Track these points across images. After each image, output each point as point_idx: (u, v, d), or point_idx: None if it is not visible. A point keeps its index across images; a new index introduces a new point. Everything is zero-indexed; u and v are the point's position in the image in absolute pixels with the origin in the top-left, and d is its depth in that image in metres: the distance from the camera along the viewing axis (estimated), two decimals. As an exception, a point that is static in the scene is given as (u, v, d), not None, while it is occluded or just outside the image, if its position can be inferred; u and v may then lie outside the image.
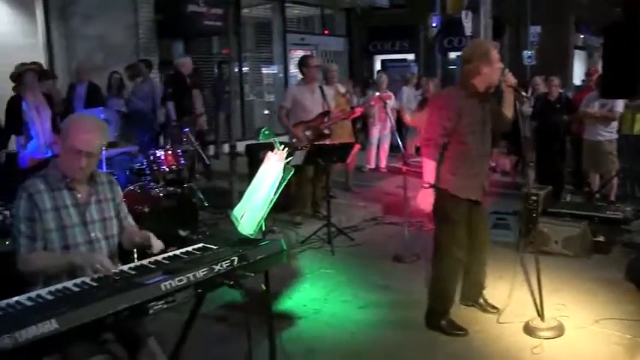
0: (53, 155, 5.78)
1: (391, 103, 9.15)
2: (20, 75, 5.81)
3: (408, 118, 9.11)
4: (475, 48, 3.71)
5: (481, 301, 4.10)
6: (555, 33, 15.73)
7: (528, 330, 3.76)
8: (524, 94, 3.79)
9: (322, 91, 6.44)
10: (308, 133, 6.21)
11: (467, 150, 3.58)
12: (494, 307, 4.08)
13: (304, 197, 6.43)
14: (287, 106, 6.32)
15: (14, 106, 5.76)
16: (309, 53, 13.35)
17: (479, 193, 3.72)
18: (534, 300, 3.97)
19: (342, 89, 7.86)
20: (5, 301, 1.97)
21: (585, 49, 18.01)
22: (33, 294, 2.06)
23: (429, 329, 3.84)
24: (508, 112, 3.69)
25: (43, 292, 2.08)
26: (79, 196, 2.53)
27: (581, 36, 17.53)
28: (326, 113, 6.33)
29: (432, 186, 3.62)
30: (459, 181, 3.61)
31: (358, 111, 6.80)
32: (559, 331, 3.72)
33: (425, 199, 3.66)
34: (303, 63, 6.46)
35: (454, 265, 3.76)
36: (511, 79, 3.59)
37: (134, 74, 8.31)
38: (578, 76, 16.88)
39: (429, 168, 3.60)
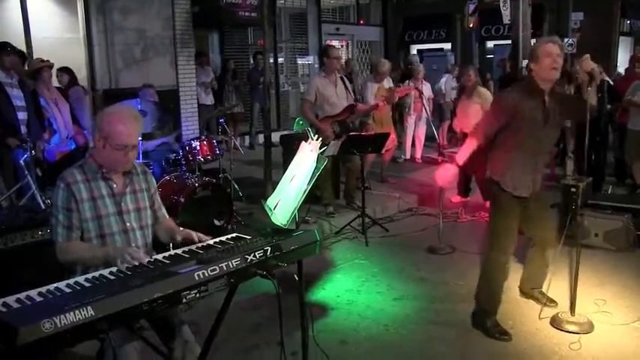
0: (77, 147, 5.93)
1: (427, 93, 9.02)
2: (38, 71, 5.91)
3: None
4: (531, 48, 3.66)
5: (537, 294, 4.04)
6: (599, 19, 15.18)
7: (555, 322, 3.70)
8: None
9: (344, 82, 6.32)
10: (335, 128, 6.12)
11: (520, 148, 3.53)
12: (552, 301, 4.00)
13: (333, 188, 6.34)
14: (311, 99, 6.10)
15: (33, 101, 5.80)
16: (338, 44, 13.30)
17: (526, 190, 3.60)
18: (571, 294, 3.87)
19: (387, 84, 7.71)
20: (45, 288, 2.01)
21: (631, 34, 17.30)
22: (71, 281, 2.10)
23: (474, 328, 3.74)
24: (591, 99, 3.54)
25: (81, 279, 2.13)
26: (114, 186, 2.57)
27: (627, 21, 16.85)
28: (352, 107, 6.20)
29: (461, 168, 3.65)
30: (506, 176, 3.56)
31: (380, 105, 6.60)
32: (585, 327, 3.62)
33: (443, 175, 3.64)
34: (324, 52, 6.31)
35: (497, 259, 3.64)
36: (588, 65, 3.45)
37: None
38: (623, 64, 16.30)
39: (465, 150, 3.58)
